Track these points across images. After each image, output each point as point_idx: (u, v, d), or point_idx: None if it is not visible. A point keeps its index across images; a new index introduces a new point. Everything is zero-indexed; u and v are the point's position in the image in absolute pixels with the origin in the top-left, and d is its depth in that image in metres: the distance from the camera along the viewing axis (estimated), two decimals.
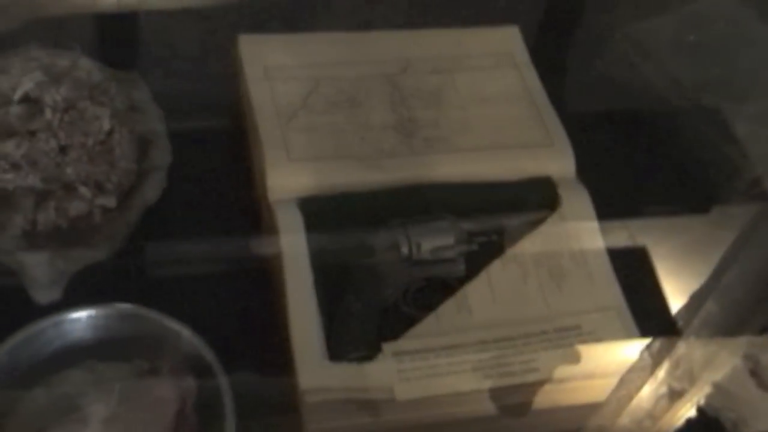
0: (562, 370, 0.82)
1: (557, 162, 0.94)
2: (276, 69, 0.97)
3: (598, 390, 0.86)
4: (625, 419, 0.86)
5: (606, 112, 1.07)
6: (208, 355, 0.80)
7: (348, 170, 0.91)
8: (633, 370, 0.86)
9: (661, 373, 0.87)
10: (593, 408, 0.86)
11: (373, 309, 0.85)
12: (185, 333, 0.81)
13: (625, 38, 1.09)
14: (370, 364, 0.80)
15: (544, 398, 0.83)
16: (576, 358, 0.83)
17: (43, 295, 0.87)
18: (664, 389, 0.86)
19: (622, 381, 0.86)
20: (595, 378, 0.85)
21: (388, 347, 0.81)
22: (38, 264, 0.87)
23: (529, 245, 0.89)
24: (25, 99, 0.89)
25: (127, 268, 0.90)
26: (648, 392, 0.86)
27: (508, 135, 0.95)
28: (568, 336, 0.84)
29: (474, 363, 0.81)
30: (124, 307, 0.82)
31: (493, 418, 0.84)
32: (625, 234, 0.95)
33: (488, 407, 0.83)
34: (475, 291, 0.86)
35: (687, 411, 0.86)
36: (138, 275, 0.90)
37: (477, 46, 1.02)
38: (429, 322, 0.84)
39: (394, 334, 0.83)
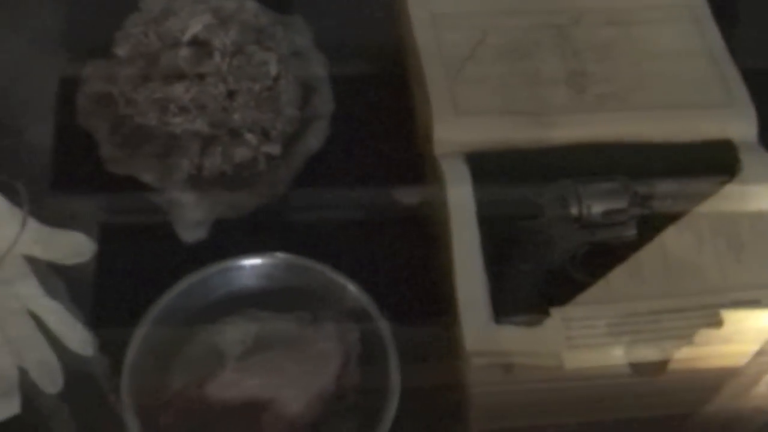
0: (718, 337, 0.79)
1: (738, 124, 0.89)
2: (443, 17, 0.94)
3: (737, 355, 0.82)
4: (762, 386, 0.82)
5: None
6: (373, 309, 0.79)
7: (516, 126, 0.88)
8: None
9: None
10: (730, 372, 0.82)
11: (541, 271, 0.82)
12: (350, 286, 0.80)
13: None
14: (537, 329, 0.78)
15: (683, 362, 0.80)
16: (748, 333, 0.79)
17: (188, 234, 0.87)
18: None
19: (765, 347, 0.81)
20: (736, 343, 0.81)
21: (556, 312, 0.79)
22: (185, 204, 0.87)
23: (706, 212, 0.84)
24: (194, 41, 0.88)
25: (289, 216, 0.89)
26: None
27: (685, 93, 0.90)
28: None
29: (646, 333, 0.78)
30: (290, 257, 0.82)
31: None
32: None
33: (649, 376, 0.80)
34: (648, 258, 0.82)
35: None
36: (300, 224, 0.89)
37: None
38: (599, 288, 0.81)
39: (562, 299, 0.80)
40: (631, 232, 0.84)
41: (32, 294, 0.83)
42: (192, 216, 0.87)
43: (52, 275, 0.85)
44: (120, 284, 0.87)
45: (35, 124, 0.96)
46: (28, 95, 0.98)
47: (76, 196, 0.91)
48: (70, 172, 0.93)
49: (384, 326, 0.79)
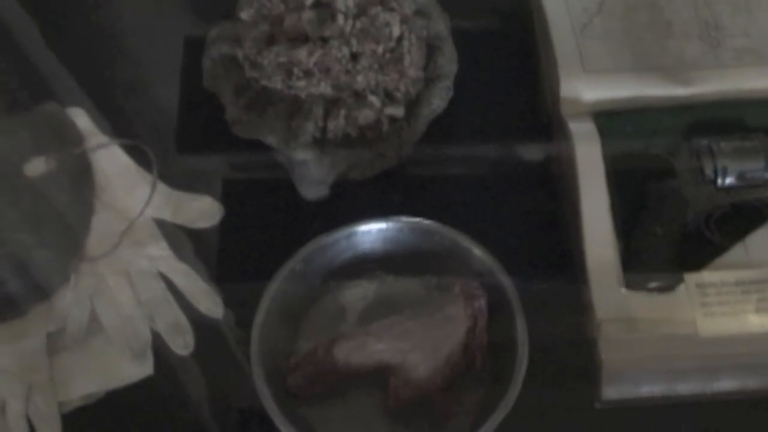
0: None
1: None
2: None
3: None
4: None
5: None
6: (500, 272, 0.78)
7: (647, 83, 0.85)
8: None
9: None
10: None
11: (674, 235, 0.80)
12: (476, 249, 0.79)
13: None
14: (670, 295, 0.76)
15: None
16: None
17: (310, 192, 0.87)
18: None
19: None
20: None
21: (690, 278, 0.76)
22: (307, 161, 0.87)
23: None
24: (317, 4, 0.88)
25: (413, 177, 0.89)
26: None
27: None
28: None
29: None
30: (415, 221, 0.81)
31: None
32: None
33: None
34: None
35: None
36: (424, 185, 0.89)
37: None
38: (736, 252, 0.78)
39: (696, 264, 0.78)
40: None
41: (163, 256, 0.85)
42: (314, 173, 0.87)
43: (179, 234, 0.87)
44: (243, 244, 0.88)
45: (162, 86, 0.98)
46: (154, 58, 0.99)
47: (201, 157, 0.93)
48: (196, 134, 0.94)
49: (511, 289, 0.77)
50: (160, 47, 1.00)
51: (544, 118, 0.90)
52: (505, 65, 0.95)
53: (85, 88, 0.95)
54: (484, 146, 0.90)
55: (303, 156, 0.86)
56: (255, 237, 0.88)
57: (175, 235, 0.87)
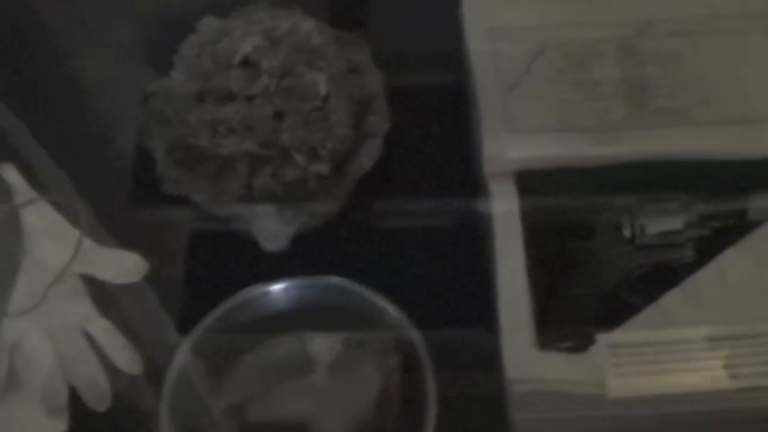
0: None
1: None
2: (500, 31, 0.91)
3: None
4: None
5: None
6: (414, 335, 0.78)
7: (570, 143, 0.85)
8: None
9: None
10: None
11: (589, 295, 0.80)
12: (391, 310, 0.79)
13: None
14: (582, 356, 0.75)
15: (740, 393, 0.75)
16: None
17: (271, 244, 0.88)
18: None
19: None
20: None
21: (602, 338, 0.76)
22: (267, 215, 0.87)
23: None
24: (245, 63, 0.89)
25: (340, 234, 0.89)
26: None
27: (758, 108, 0.85)
28: None
29: (699, 362, 0.74)
30: (333, 280, 0.81)
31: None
32: None
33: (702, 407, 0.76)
34: (705, 281, 0.78)
35: None
36: (351, 243, 0.89)
37: (726, 6, 0.92)
38: (650, 313, 0.77)
39: (611, 324, 0.77)
40: (688, 254, 0.81)
41: (86, 313, 0.85)
42: (273, 226, 0.88)
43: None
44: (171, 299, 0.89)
45: (103, 142, 0.99)
46: (97, 114, 1.01)
47: (137, 212, 0.93)
48: (134, 190, 0.95)
49: (422, 347, 0.77)
50: (101, 104, 1.01)
51: (475, 176, 0.90)
52: (439, 123, 0.96)
53: (15, 143, 0.96)
54: (415, 204, 0.91)
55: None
56: (184, 291, 0.89)
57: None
